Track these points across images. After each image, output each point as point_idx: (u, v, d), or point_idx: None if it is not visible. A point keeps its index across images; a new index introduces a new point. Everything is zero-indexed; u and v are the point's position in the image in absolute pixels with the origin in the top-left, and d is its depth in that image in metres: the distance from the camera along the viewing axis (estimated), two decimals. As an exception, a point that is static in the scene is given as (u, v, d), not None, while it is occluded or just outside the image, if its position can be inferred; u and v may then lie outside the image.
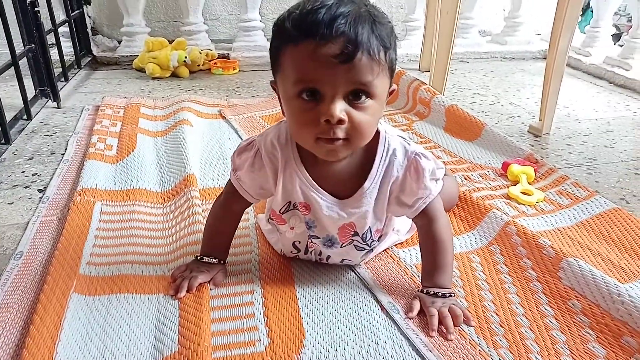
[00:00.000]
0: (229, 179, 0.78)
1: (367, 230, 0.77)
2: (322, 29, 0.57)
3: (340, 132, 0.62)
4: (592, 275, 0.76)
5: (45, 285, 0.74)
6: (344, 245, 0.78)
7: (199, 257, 0.80)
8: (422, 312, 0.74)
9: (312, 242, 0.79)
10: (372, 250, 0.82)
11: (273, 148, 0.72)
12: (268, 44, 1.80)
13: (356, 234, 0.77)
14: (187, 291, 0.75)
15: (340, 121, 0.61)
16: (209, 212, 0.83)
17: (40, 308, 0.69)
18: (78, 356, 0.64)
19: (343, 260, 0.82)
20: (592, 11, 2.43)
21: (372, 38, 0.59)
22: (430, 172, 0.73)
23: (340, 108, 0.60)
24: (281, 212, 0.77)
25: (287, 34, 0.60)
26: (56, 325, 0.67)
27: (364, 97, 0.62)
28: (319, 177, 0.72)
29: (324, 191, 0.73)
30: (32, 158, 1.26)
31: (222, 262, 0.81)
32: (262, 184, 0.75)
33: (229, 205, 0.80)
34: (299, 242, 0.81)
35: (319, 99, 0.61)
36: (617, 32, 2.79)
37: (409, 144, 0.74)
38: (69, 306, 0.71)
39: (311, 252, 0.82)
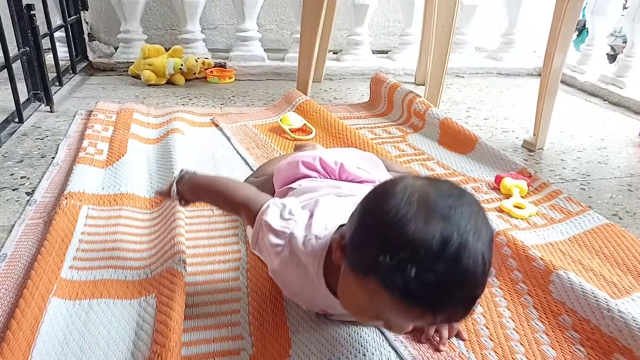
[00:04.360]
0: (258, 202, 0.70)
1: None
2: (439, 305, 0.50)
3: None
4: (582, 289, 0.75)
5: (25, 289, 0.72)
6: None
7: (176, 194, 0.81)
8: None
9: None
10: None
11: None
12: (264, 54, 1.79)
13: None
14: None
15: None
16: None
17: (18, 312, 0.67)
18: (54, 361, 0.62)
19: None
20: (587, 31, 2.46)
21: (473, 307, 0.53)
22: None
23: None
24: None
25: (395, 286, 0.50)
26: (33, 330, 0.66)
27: None
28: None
29: None
30: (21, 161, 1.25)
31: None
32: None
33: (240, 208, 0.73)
34: None
35: None
36: (613, 53, 2.82)
37: None
38: (47, 310, 0.70)
39: None
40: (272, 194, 0.89)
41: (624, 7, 2.38)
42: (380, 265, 0.50)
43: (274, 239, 0.65)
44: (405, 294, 0.49)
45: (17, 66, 1.46)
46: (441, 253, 0.48)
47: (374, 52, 2.44)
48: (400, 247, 0.49)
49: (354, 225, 0.56)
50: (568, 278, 0.78)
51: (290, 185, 0.86)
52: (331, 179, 0.86)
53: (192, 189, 0.80)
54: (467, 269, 0.49)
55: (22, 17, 1.49)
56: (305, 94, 1.75)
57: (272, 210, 0.67)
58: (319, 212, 0.67)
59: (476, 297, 0.51)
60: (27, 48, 1.53)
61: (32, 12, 1.51)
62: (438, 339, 0.70)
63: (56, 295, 0.73)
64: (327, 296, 0.65)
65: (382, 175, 0.89)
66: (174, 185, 0.81)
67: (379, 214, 0.53)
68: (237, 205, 0.73)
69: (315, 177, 0.86)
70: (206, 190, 0.80)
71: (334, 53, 2.42)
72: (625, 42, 2.29)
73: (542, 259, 0.82)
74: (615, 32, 3.47)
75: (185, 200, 0.82)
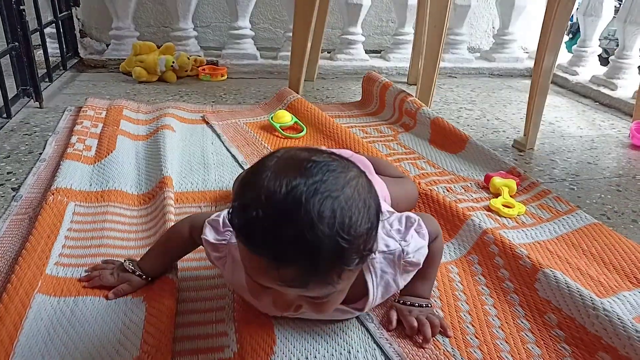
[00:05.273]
0: (202, 220, 0.72)
1: None
2: (277, 253, 0.50)
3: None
4: (567, 287, 0.75)
5: (9, 284, 0.72)
6: None
7: (130, 267, 0.76)
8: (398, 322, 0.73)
9: None
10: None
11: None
12: (257, 52, 1.77)
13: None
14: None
15: (296, 308, 0.57)
16: (175, 222, 0.81)
17: (2, 307, 0.67)
18: (37, 357, 0.62)
19: None
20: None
21: (328, 277, 0.53)
22: (420, 253, 0.70)
23: (291, 304, 0.56)
24: None
25: (236, 226, 0.53)
26: (16, 326, 0.65)
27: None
28: None
29: None
30: (8, 156, 1.24)
31: (149, 279, 0.77)
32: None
33: (191, 234, 0.76)
34: None
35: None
36: (607, 56, 2.83)
37: (391, 253, 0.67)
38: (31, 306, 0.69)
39: None
40: None
41: (616, 10, 2.39)
42: (233, 211, 0.53)
43: (216, 254, 0.69)
44: (242, 234, 0.52)
45: (5, 62, 1.45)
46: (280, 197, 0.49)
47: (367, 51, 2.44)
48: (247, 191, 0.52)
49: None
50: (554, 277, 0.78)
51: None
52: None
53: (150, 260, 0.78)
54: (307, 218, 0.48)
55: (11, 12, 1.48)
56: (297, 93, 1.74)
57: (208, 230, 0.70)
58: None
59: (320, 260, 0.49)
60: (16, 43, 1.51)
61: (21, 7, 1.50)
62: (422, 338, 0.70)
63: (41, 292, 0.72)
64: None
65: None
66: (130, 268, 0.76)
67: (250, 170, 0.56)
68: (188, 238, 0.76)
69: None
70: (160, 251, 0.78)
71: (327, 52, 2.42)
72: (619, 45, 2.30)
73: (528, 258, 0.83)
74: (609, 35, 3.49)
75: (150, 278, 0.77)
